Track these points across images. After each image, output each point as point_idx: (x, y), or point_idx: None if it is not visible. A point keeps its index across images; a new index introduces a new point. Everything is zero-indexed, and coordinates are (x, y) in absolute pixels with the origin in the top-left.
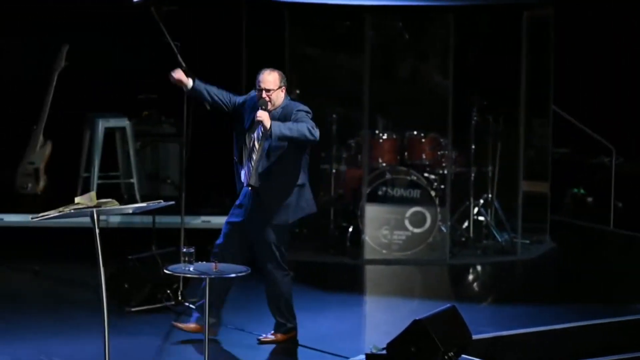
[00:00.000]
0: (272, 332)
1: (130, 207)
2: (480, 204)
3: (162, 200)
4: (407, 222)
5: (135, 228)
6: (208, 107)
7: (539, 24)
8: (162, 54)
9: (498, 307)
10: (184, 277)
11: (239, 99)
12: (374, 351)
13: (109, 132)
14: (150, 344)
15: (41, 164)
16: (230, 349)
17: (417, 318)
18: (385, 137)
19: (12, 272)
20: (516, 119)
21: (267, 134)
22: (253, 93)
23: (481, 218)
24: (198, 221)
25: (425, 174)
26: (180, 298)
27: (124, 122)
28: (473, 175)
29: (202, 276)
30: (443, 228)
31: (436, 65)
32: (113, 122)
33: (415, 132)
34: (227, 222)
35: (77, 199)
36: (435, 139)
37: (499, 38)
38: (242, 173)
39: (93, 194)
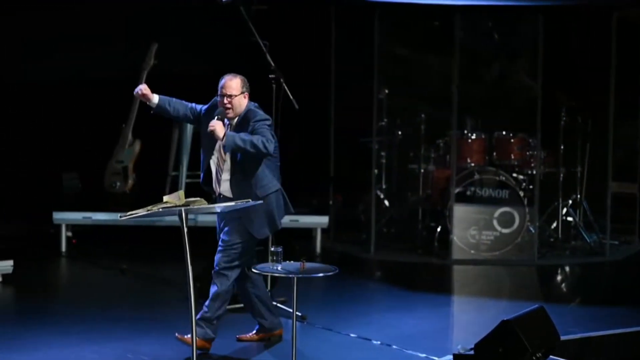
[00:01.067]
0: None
1: (218, 206)
2: (569, 205)
3: (250, 200)
4: (495, 223)
5: None
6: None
7: (629, 25)
8: (251, 53)
9: (586, 308)
10: (272, 277)
11: (202, 108)
12: (462, 351)
13: (198, 132)
14: (238, 343)
15: (130, 162)
16: (318, 348)
17: (505, 318)
18: (473, 137)
19: (101, 270)
20: (605, 119)
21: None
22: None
23: (570, 219)
24: (286, 220)
25: (514, 174)
26: None
27: None
28: (562, 175)
29: (290, 275)
30: (531, 229)
31: (525, 65)
32: None
33: (503, 132)
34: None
35: (165, 198)
36: (523, 139)
37: (588, 38)
38: (213, 182)
39: (181, 192)
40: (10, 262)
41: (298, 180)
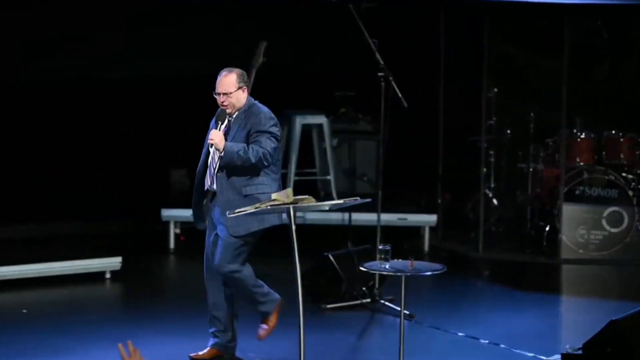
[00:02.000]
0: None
1: (326, 204)
2: None
3: (358, 198)
4: (604, 222)
5: (332, 225)
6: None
7: None
8: (360, 52)
9: None
10: (380, 275)
11: None
12: (570, 351)
13: (306, 129)
14: (345, 342)
15: None
16: (426, 346)
17: (613, 319)
18: (582, 136)
19: None
20: None
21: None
22: None
23: None
24: (394, 219)
25: (623, 174)
26: (375, 295)
27: (321, 119)
28: None
29: (398, 274)
30: None
31: (635, 64)
32: (310, 119)
33: (612, 132)
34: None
35: (274, 196)
36: (633, 138)
37: None
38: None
39: (290, 190)
40: (119, 259)
41: (406, 178)
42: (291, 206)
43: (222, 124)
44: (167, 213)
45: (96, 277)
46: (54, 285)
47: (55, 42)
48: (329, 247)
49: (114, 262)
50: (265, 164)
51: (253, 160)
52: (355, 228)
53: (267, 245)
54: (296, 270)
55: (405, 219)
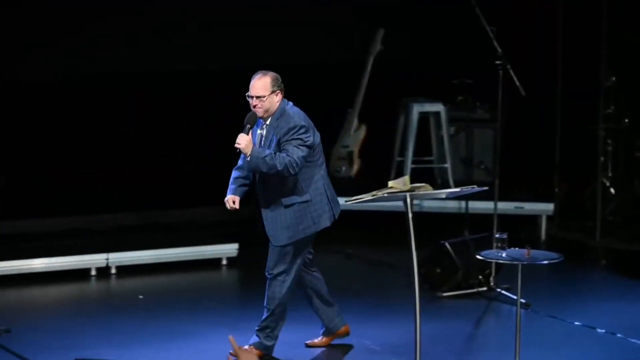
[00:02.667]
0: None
1: (443, 192)
2: None
3: (475, 186)
4: None
5: (448, 213)
6: None
7: None
8: (478, 40)
9: None
10: (496, 263)
11: None
12: None
13: (423, 117)
14: (461, 331)
15: (355, 147)
16: (542, 335)
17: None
18: None
19: (325, 254)
20: None
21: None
22: None
23: None
24: (511, 207)
25: None
26: (492, 284)
27: (439, 107)
28: None
29: (515, 262)
30: None
31: None
32: (428, 107)
33: None
34: None
35: (390, 183)
36: None
37: None
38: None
39: (407, 178)
40: (236, 246)
41: (523, 166)
42: (408, 194)
43: (250, 127)
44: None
45: (213, 263)
46: (170, 271)
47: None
48: (445, 235)
49: (230, 249)
50: (292, 172)
51: (279, 168)
52: (472, 216)
53: (384, 233)
54: (413, 258)
55: (522, 208)
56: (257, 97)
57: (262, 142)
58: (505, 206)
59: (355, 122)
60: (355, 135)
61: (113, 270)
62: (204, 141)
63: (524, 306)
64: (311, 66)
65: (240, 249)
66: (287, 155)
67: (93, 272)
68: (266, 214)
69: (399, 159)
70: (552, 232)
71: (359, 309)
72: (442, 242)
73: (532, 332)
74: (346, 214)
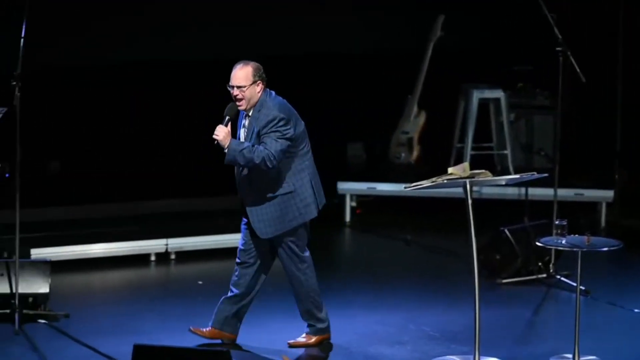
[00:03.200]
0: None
1: (503, 179)
2: None
3: (535, 172)
4: None
5: (508, 199)
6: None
7: None
8: (538, 26)
9: None
10: (556, 250)
11: None
12: None
13: (483, 103)
14: (520, 317)
15: (415, 133)
16: (601, 322)
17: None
18: None
19: (385, 240)
20: None
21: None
22: None
23: None
24: (571, 194)
25: None
26: (551, 271)
27: (499, 94)
28: None
29: (574, 249)
30: None
31: None
32: (487, 93)
33: None
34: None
35: (450, 170)
36: None
37: None
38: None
39: (466, 164)
40: None
41: (583, 154)
42: (468, 180)
43: (230, 119)
44: (343, 186)
45: None
46: (229, 257)
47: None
48: (504, 222)
49: None
50: (270, 165)
51: (257, 161)
52: (532, 203)
53: (443, 219)
54: (472, 245)
55: (582, 194)
56: (238, 87)
57: (245, 135)
58: (565, 193)
59: (415, 109)
60: (415, 122)
61: (172, 256)
62: None
63: (584, 293)
64: (371, 53)
65: None
66: (265, 148)
67: (152, 258)
68: (250, 207)
69: (458, 145)
70: (612, 219)
71: (418, 296)
72: (502, 228)
73: (591, 319)
74: (405, 200)
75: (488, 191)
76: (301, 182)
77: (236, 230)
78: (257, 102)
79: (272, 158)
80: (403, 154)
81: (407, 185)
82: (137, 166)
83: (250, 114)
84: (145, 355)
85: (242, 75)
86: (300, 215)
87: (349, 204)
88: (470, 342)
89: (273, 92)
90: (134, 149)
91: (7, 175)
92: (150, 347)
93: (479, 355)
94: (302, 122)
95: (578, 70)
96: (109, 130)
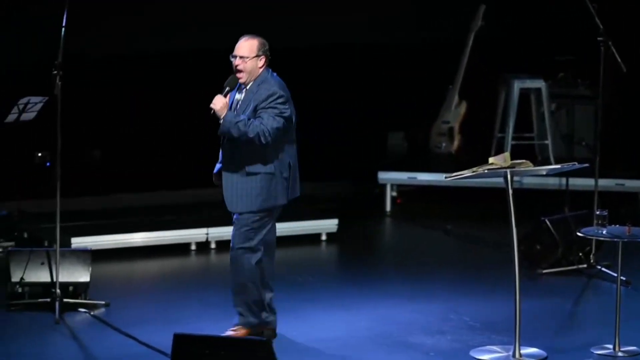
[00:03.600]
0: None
1: (543, 169)
2: None
3: (576, 163)
4: None
5: (549, 189)
6: None
7: None
8: (580, 16)
9: None
10: (597, 240)
11: None
12: None
13: (524, 93)
14: (561, 308)
15: (456, 123)
16: None
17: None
18: None
19: (425, 230)
20: None
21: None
22: None
23: None
24: (612, 184)
25: None
26: (592, 261)
27: (540, 83)
28: None
29: (615, 240)
30: None
31: None
32: (529, 83)
33: None
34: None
35: (491, 159)
36: None
37: None
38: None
39: (507, 154)
40: (335, 221)
41: (623, 143)
42: (508, 170)
43: (230, 90)
44: (384, 176)
45: (312, 238)
46: None
47: None
48: (545, 212)
49: (330, 224)
50: (263, 141)
51: (251, 135)
52: (572, 193)
53: (484, 209)
54: (512, 235)
55: (623, 185)
56: (241, 57)
57: (238, 107)
58: (606, 183)
59: (456, 98)
60: (456, 112)
61: (213, 245)
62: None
63: (625, 284)
64: (413, 43)
65: (340, 224)
66: (261, 123)
67: (193, 247)
68: (228, 178)
69: (499, 135)
70: None
71: (458, 286)
72: (543, 218)
73: (632, 309)
74: (446, 190)
75: (529, 181)
76: (282, 167)
77: (277, 219)
78: (257, 77)
79: (266, 134)
80: (444, 144)
81: (448, 175)
82: (177, 155)
83: (247, 87)
84: (185, 344)
85: (246, 46)
86: (274, 199)
87: (389, 193)
88: (511, 332)
89: (275, 73)
90: (173, 138)
91: (48, 164)
92: (191, 336)
93: (519, 345)
94: (294, 109)
95: (619, 60)
96: (150, 119)
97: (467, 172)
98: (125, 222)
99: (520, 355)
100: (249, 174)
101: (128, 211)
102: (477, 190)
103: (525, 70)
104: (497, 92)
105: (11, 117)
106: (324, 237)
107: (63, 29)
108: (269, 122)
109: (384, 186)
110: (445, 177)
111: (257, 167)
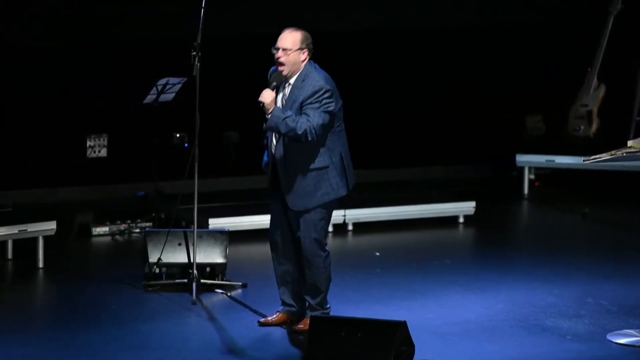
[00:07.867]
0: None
1: None
2: None
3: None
4: None
5: None
6: None
7: None
8: None
9: None
10: None
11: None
12: None
13: None
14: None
15: (594, 106)
16: None
17: None
18: None
19: (562, 213)
20: None
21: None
22: None
23: None
24: None
25: None
26: None
27: None
28: None
29: None
30: None
31: None
32: None
33: None
34: (272, 205)
35: (629, 143)
36: None
37: None
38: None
39: None
40: (472, 204)
41: None
42: None
43: (277, 85)
44: (522, 159)
45: (450, 221)
46: (406, 229)
47: None
48: None
49: (467, 207)
50: (310, 138)
51: (299, 132)
52: None
53: (622, 193)
54: None
55: None
56: (283, 49)
57: (284, 103)
58: None
59: (594, 81)
60: (594, 95)
61: (350, 227)
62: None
63: None
64: (552, 24)
65: (477, 207)
66: (308, 120)
67: (330, 229)
68: (285, 177)
69: (638, 118)
70: None
71: (596, 270)
72: None
73: None
74: (584, 173)
75: None
76: (335, 158)
77: (414, 202)
78: (299, 71)
79: (313, 131)
80: (582, 127)
81: (586, 158)
82: None
83: (292, 82)
84: (321, 326)
85: (290, 38)
86: (333, 191)
87: (527, 176)
88: None
89: (318, 66)
90: None
91: (186, 145)
92: (327, 318)
93: None
94: (341, 101)
95: None
96: None
97: (605, 156)
98: (263, 203)
99: None
100: (304, 171)
101: (266, 192)
102: (616, 173)
103: None
104: (636, 75)
105: (150, 98)
106: (461, 220)
107: (202, 10)
108: (315, 118)
109: (521, 169)
110: (584, 161)
111: (312, 164)
